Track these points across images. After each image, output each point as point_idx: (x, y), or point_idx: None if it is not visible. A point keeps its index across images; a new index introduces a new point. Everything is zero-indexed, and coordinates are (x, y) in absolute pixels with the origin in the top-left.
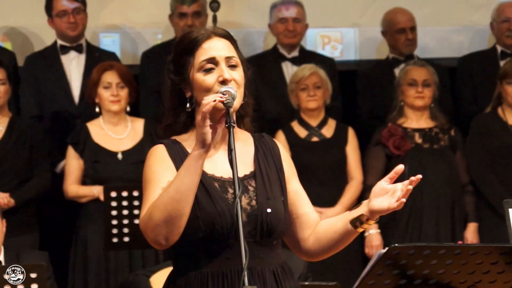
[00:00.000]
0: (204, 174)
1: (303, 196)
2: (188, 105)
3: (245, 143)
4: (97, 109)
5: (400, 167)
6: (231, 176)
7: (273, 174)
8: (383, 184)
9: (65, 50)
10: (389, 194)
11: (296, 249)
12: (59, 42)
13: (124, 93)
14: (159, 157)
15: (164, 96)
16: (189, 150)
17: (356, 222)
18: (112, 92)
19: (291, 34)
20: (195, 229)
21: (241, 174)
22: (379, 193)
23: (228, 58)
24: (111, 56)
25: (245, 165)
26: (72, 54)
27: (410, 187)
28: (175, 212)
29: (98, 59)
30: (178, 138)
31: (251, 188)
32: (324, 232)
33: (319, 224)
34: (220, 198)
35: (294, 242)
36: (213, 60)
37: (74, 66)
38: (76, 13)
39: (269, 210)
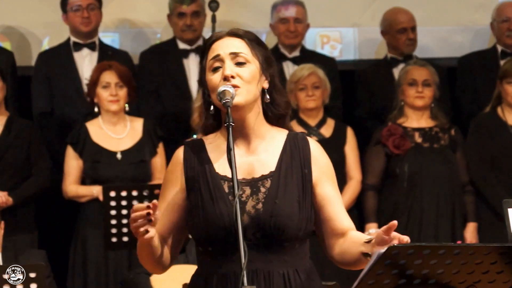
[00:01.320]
0: (215, 175)
1: (334, 201)
2: (212, 107)
3: (273, 142)
4: (96, 109)
5: (394, 223)
6: (244, 177)
7: (294, 176)
8: (382, 234)
9: (78, 47)
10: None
11: (324, 252)
12: (72, 39)
13: (123, 92)
14: (172, 165)
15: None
16: (208, 149)
17: (367, 256)
18: (111, 92)
19: (292, 34)
20: (200, 231)
21: (258, 174)
22: (380, 242)
23: (233, 54)
24: (124, 55)
25: (266, 165)
26: (85, 51)
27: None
28: (141, 259)
29: (110, 57)
30: (205, 137)
31: (263, 190)
32: (346, 249)
33: (348, 237)
34: (222, 200)
35: (322, 244)
36: (218, 58)
37: (86, 63)
38: (91, 9)
39: (274, 214)
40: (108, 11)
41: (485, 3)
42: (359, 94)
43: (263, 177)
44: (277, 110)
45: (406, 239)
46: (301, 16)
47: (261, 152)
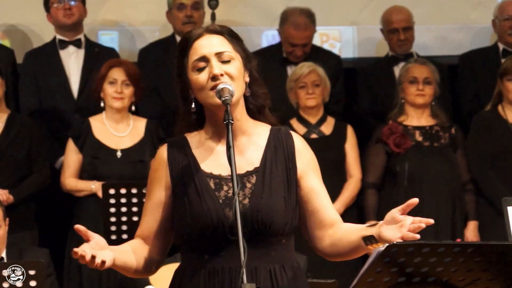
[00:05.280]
0: (201, 172)
1: (320, 193)
2: (193, 105)
3: (257, 138)
4: (101, 104)
5: (414, 201)
6: (230, 174)
7: (279, 170)
8: (395, 213)
9: (64, 45)
10: (398, 226)
11: (311, 245)
12: (58, 37)
13: (128, 91)
14: (156, 163)
15: (177, 99)
16: (192, 146)
17: (367, 241)
18: (116, 88)
19: (299, 56)
20: (186, 227)
21: (243, 170)
22: (390, 221)
23: (219, 54)
24: (111, 51)
25: (251, 161)
26: (71, 49)
27: (423, 225)
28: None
29: (97, 54)
30: (188, 134)
31: (248, 185)
32: (339, 239)
33: (338, 228)
34: (209, 196)
35: (309, 238)
36: (204, 59)
37: (73, 61)
38: (73, 0)
39: (260, 209)
40: (107, 9)
41: (484, 2)
42: (360, 92)
43: (248, 173)
44: (257, 102)
45: (417, 219)
46: (310, 39)
47: (245, 148)
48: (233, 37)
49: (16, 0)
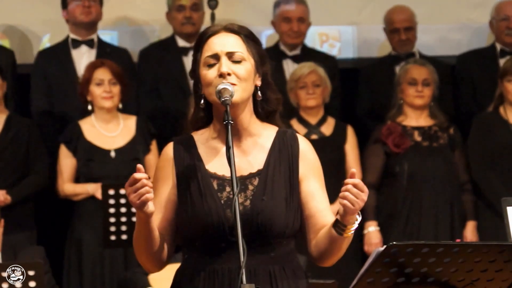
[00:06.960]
0: (205, 172)
1: (316, 197)
2: (202, 101)
3: (263, 140)
4: (89, 107)
5: (352, 171)
6: None
7: (282, 173)
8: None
9: (76, 44)
10: None
11: (305, 250)
12: (71, 36)
13: (116, 89)
14: (162, 161)
15: (177, 98)
16: (198, 145)
17: (335, 227)
18: (104, 88)
19: (295, 34)
20: (188, 227)
21: (246, 172)
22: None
23: (230, 53)
24: (123, 52)
25: (254, 163)
26: (83, 48)
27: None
28: (137, 249)
29: (108, 55)
30: (195, 133)
31: (250, 187)
32: (320, 235)
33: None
34: (211, 197)
35: (304, 241)
36: (215, 56)
37: (84, 60)
38: (92, 0)
39: (261, 211)
40: (107, 8)
41: (483, 1)
42: (361, 92)
43: (251, 175)
44: (268, 107)
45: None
46: (304, 15)
47: (250, 150)
48: (250, 39)
49: (16, 1)
